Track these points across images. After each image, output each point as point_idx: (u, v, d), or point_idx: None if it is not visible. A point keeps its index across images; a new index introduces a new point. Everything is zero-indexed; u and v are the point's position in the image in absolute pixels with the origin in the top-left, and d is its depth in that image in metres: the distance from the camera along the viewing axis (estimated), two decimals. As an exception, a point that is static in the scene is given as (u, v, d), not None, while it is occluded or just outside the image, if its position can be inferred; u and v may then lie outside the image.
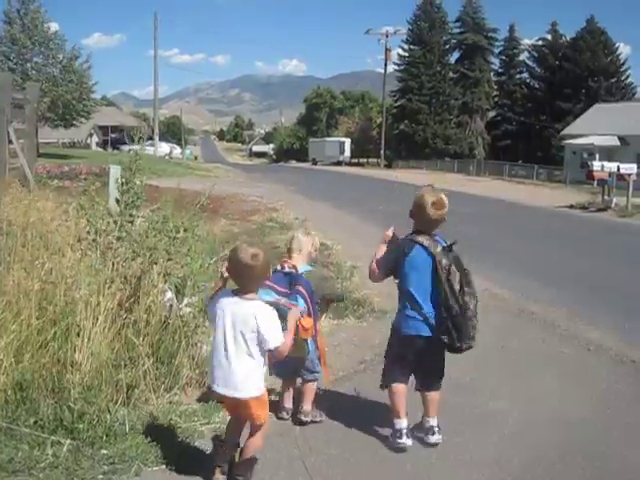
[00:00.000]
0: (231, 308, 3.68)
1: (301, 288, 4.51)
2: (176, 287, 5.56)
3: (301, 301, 4.48)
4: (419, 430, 4.55)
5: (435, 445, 4.46)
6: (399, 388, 4.47)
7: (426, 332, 4.31)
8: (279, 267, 4.66)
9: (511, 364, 6.27)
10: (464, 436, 4.62)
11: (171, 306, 5.35)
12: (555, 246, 14.40)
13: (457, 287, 4.22)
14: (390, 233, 4.59)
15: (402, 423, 4.42)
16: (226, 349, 3.67)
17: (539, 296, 9.09)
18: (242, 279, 3.69)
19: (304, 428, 4.68)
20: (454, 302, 4.21)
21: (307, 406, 4.80)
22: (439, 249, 4.29)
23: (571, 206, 24.36)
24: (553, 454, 4.41)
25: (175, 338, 5.10)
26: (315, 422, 4.77)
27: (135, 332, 4.91)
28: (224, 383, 3.70)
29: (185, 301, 5.53)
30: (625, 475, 4.20)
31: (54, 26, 42.56)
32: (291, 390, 4.91)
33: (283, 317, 4.06)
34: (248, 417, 3.85)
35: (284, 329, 3.82)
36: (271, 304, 3.90)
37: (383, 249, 4.57)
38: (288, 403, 4.88)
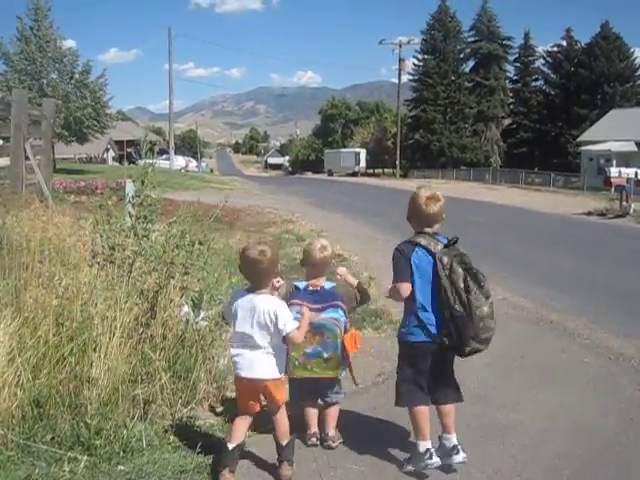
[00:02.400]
0: (245, 305, 4.02)
1: (339, 302, 4.48)
2: (192, 301, 5.55)
3: (342, 313, 4.45)
4: (439, 451, 4.30)
5: (462, 463, 4.26)
6: (421, 409, 4.25)
7: (428, 337, 4.16)
8: (305, 286, 4.56)
9: (531, 374, 6.19)
10: (485, 448, 4.56)
11: (187, 320, 5.34)
12: (573, 254, 14.30)
13: (461, 285, 4.03)
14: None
15: (428, 444, 4.22)
16: (246, 340, 4.01)
17: (558, 304, 9.01)
18: (252, 276, 4.04)
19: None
20: (456, 302, 4.02)
21: (333, 431, 4.64)
22: (439, 247, 4.16)
23: (589, 213, 24.21)
24: (576, 465, 4.34)
25: (192, 352, 5.07)
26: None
27: (152, 347, 4.90)
28: (248, 368, 4.02)
29: (202, 315, 5.51)
30: (650, 486, 4.13)
31: (70, 43, 43.10)
32: (316, 412, 4.69)
33: (329, 331, 4.35)
34: (267, 399, 4.16)
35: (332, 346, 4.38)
36: (313, 322, 4.31)
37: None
38: (315, 427, 4.66)
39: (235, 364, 4.09)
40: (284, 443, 4.17)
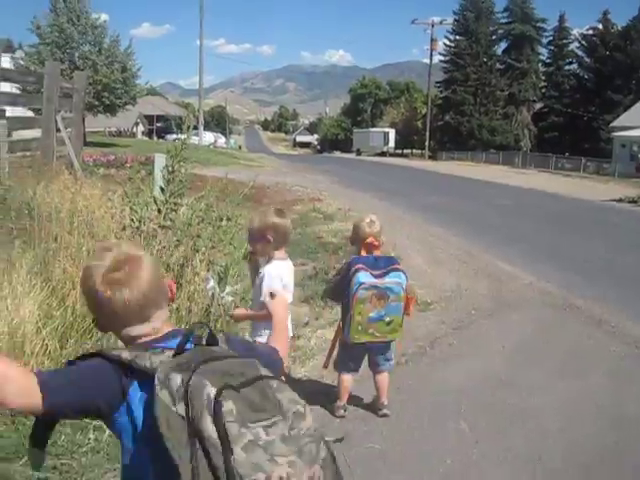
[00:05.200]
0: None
1: (398, 265, 4.49)
2: (219, 275, 5.58)
3: (404, 277, 4.43)
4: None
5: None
6: None
7: None
8: (366, 254, 4.54)
9: (555, 359, 6.15)
10: (506, 432, 4.56)
11: (213, 295, 5.37)
12: (601, 240, 14.12)
13: None
14: None
15: None
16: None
17: (585, 291, 8.91)
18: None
19: (343, 420, 4.65)
20: None
21: (386, 400, 4.74)
22: None
23: (619, 200, 23.89)
24: (598, 451, 4.31)
25: (217, 327, 5.11)
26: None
27: (177, 319, 4.94)
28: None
29: (227, 289, 5.54)
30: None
31: (102, 16, 43.10)
32: (350, 384, 4.73)
33: (394, 294, 4.35)
34: None
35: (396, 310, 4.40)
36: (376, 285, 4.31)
37: None
38: (345, 400, 4.72)
39: None
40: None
